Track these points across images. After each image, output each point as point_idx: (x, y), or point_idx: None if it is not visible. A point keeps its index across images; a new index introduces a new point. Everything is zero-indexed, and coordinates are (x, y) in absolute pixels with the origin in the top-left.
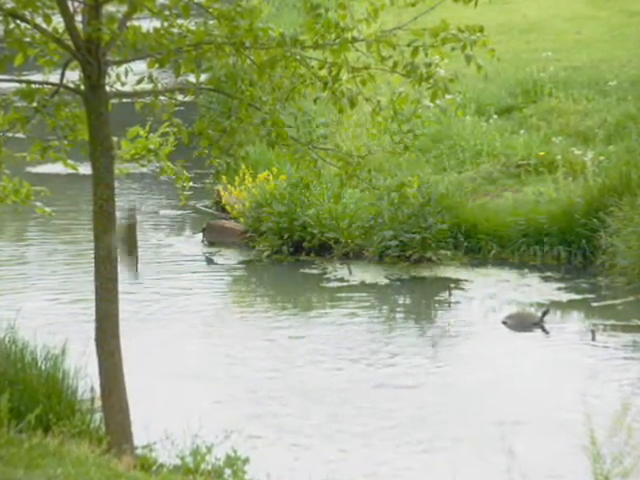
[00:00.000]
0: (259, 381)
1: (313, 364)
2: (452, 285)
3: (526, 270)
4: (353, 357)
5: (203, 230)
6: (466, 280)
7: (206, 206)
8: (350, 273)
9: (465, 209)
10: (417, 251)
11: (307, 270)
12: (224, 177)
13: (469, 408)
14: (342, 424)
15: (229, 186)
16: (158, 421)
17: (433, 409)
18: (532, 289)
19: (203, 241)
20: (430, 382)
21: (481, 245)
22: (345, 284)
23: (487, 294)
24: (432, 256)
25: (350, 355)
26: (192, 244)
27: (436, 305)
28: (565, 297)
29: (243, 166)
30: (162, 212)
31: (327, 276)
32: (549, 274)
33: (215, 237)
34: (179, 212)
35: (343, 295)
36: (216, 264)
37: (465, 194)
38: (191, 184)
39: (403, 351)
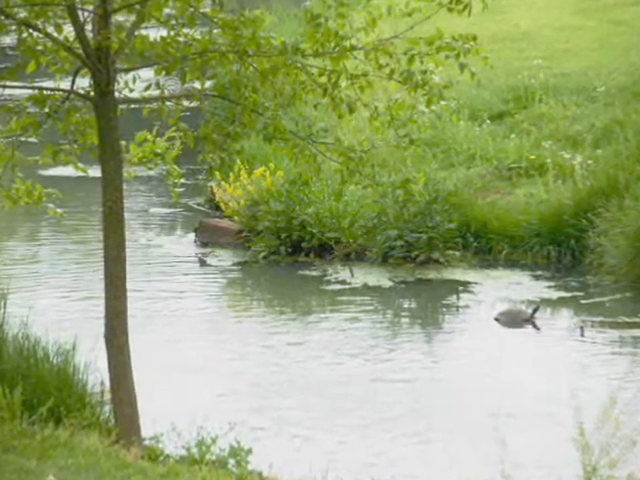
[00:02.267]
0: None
1: (311, 372)
2: (461, 288)
3: (517, 269)
4: (354, 364)
5: (195, 229)
6: (476, 282)
7: (199, 204)
8: (352, 275)
9: (474, 207)
10: (423, 252)
11: (306, 272)
12: (218, 173)
13: (463, 400)
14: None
15: (223, 183)
16: (165, 414)
17: (428, 402)
18: (523, 287)
19: (195, 241)
20: (426, 376)
21: (492, 245)
22: (346, 287)
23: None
24: (439, 257)
25: (351, 361)
26: (184, 244)
27: (443, 309)
28: (555, 295)
29: (238, 161)
30: (152, 210)
31: (327, 278)
32: (539, 272)
33: (208, 237)
34: (170, 210)
35: (344, 299)
36: (209, 266)
37: (475, 191)
38: (183, 180)
39: (406, 356)
